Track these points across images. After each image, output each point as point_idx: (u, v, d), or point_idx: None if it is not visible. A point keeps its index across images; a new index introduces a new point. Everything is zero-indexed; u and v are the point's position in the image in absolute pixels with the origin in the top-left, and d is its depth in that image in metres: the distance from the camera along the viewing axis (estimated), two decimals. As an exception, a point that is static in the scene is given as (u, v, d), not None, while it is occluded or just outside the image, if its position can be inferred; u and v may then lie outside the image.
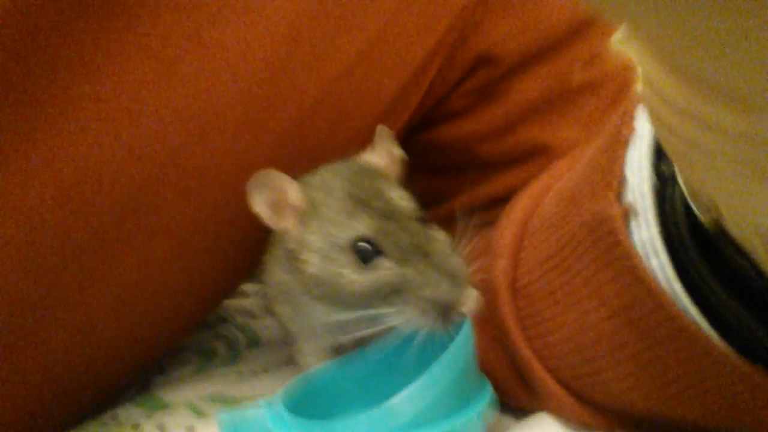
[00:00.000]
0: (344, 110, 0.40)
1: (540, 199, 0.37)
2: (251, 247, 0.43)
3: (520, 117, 0.49)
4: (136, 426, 0.34)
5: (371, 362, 0.33)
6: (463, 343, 0.28)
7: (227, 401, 0.38)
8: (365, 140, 0.45)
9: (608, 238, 0.26)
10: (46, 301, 0.30)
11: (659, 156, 0.26)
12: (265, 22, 0.34)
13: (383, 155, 0.37)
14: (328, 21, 0.36)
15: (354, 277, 0.30)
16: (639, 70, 0.19)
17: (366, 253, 0.30)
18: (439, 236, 0.32)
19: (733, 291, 0.23)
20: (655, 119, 0.18)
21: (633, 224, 0.25)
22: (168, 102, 0.31)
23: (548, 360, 0.32)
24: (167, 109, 0.31)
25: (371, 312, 0.30)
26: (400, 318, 0.29)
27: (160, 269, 0.34)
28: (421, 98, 0.47)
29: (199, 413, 0.36)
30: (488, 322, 0.36)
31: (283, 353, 0.49)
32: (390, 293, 0.30)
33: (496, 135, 0.49)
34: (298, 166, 0.40)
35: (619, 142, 0.27)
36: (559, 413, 0.32)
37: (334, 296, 0.31)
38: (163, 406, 0.38)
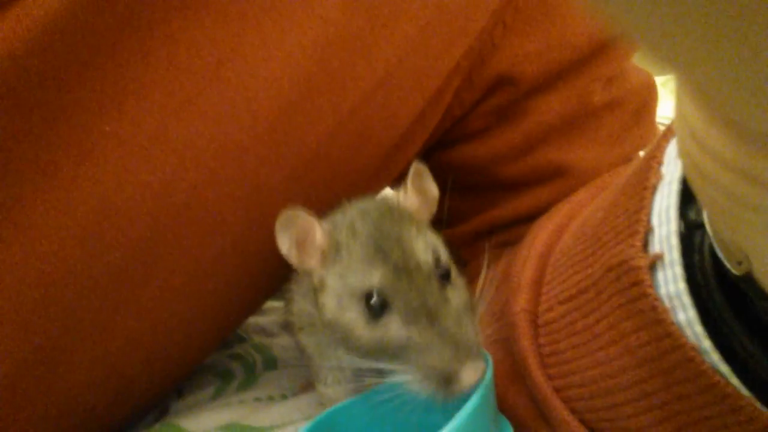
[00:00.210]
0: (362, 137, 0.40)
1: (562, 230, 0.37)
2: (272, 273, 0.43)
3: (539, 138, 0.48)
4: (156, 459, 0.34)
5: (390, 400, 0.33)
6: (486, 389, 0.28)
7: (245, 431, 0.38)
8: (383, 165, 0.45)
9: (634, 289, 0.25)
10: (66, 337, 0.30)
11: (686, 202, 0.25)
12: (284, 55, 0.33)
13: (417, 194, 0.37)
14: (347, 51, 0.36)
15: (361, 330, 0.30)
16: (678, 118, 0.19)
17: (375, 308, 0.30)
18: (455, 297, 0.31)
19: (761, 342, 0.23)
20: (693, 168, 0.17)
21: (660, 275, 0.25)
22: (187, 139, 0.31)
23: (569, 399, 0.31)
24: (186, 146, 0.31)
25: (379, 365, 0.30)
26: (403, 378, 0.29)
27: (180, 301, 0.34)
28: (438, 120, 0.47)
29: (218, 445, 0.36)
30: (509, 356, 0.36)
31: (299, 377, 0.49)
32: (397, 351, 0.29)
33: (514, 156, 0.49)
34: (315, 194, 0.40)
35: (647, 188, 0.26)
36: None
37: (346, 342, 0.31)
38: (182, 436, 0.38)
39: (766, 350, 0.23)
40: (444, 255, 0.33)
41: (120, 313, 0.32)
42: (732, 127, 0.14)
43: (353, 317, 0.31)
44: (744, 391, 0.23)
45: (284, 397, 0.45)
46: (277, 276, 0.44)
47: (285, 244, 0.32)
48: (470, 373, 0.28)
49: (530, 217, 0.48)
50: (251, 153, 0.33)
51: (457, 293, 0.31)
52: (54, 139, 0.27)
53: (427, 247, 0.32)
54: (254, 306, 0.46)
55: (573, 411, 0.31)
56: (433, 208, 0.37)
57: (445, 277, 0.32)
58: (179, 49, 0.30)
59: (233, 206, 0.34)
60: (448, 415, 0.28)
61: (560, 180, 0.49)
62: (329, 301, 0.32)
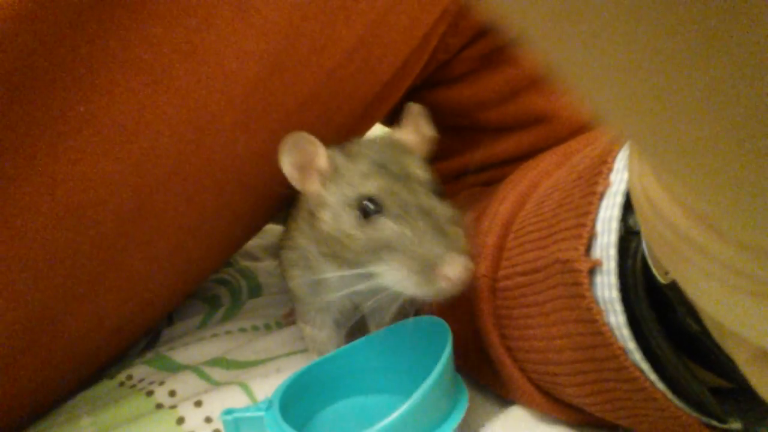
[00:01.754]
0: (343, 95, 0.40)
1: (525, 198, 0.38)
2: (257, 220, 0.45)
3: (522, 85, 0.49)
4: (150, 393, 0.38)
5: (365, 353, 0.37)
6: (446, 364, 0.31)
7: (231, 366, 0.42)
8: (365, 114, 0.45)
9: (574, 288, 0.28)
10: (58, 303, 0.33)
11: (627, 208, 0.27)
12: (260, 22, 0.33)
13: (413, 132, 0.39)
14: (326, 12, 0.36)
15: (353, 231, 0.33)
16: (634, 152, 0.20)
17: (368, 211, 0.32)
18: (446, 206, 0.33)
19: (678, 343, 0.26)
20: (645, 199, 0.18)
21: (598, 279, 0.27)
22: (162, 114, 0.31)
23: (519, 360, 0.35)
24: (162, 121, 0.31)
25: (368, 269, 0.32)
26: (391, 275, 0.31)
27: (165, 261, 0.37)
28: (422, 66, 0.47)
29: (205, 379, 0.40)
30: (468, 314, 0.39)
31: (282, 304, 0.53)
32: (386, 251, 0.31)
33: (496, 102, 0.49)
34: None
35: (594, 193, 0.28)
36: (529, 406, 0.35)
37: (340, 253, 0.33)
38: (173, 369, 0.42)
39: (679, 349, 0.26)
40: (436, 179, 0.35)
41: (108, 277, 0.34)
42: (699, 219, 0.15)
43: (346, 223, 0.33)
44: (660, 385, 0.26)
45: (268, 326, 0.49)
46: (263, 220, 0.47)
47: (287, 166, 0.34)
48: (459, 265, 0.29)
49: (511, 160, 0.50)
50: (229, 122, 0.34)
51: (449, 206, 0.34)
52: (30, 123, 0.28)
53: (425, 167, 0.35)
54: (242, 244, 0.48)
55: (521, 370, 0.35)
56: (429, 147, 0.39)
57: (439, 193, 0.34)
58: (152, 24, 0.29)
59: (213, 172, 0.35)
60: (431, 360, 0.31)
61: (542, 126, 0.50)
62: (326, 215, 0.34)
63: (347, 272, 0.33)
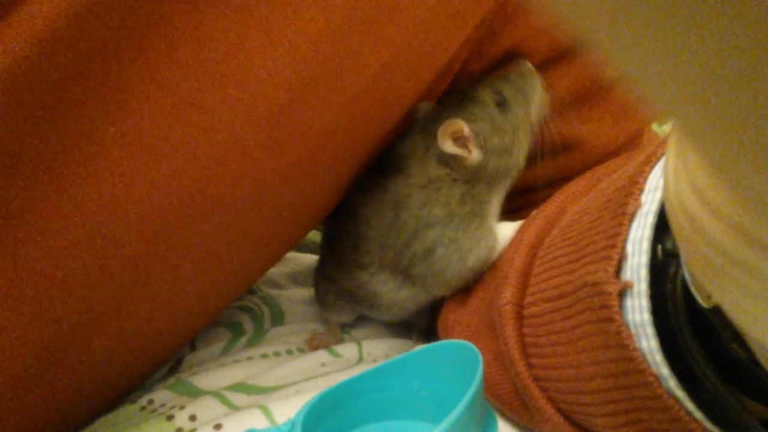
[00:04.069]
0: (366, 120, 0.41)
1: (552, 223, 0.38)
2: (281, 245, 0.45)
3: (548, 112, 0.49)
4: (171, 417, 0.38)
5: (393, 376, 0.36)
6: (476, 390, 0.30)
7: (252, 391, 0.41)
8: (386, 136, 0.45)
9: (603, 311, 0.27)
10: (82, 325, 0.33)
11: (664, 230, 0.26)
12: (287, 47, 0.33)
13: None
14: (352, 37, 0.36)
15: (512, 113, 0.45)
16: (675, 161, 0.18)
17: (502, 103, 0.45)
18: None
19: (723, 371, 0.25)
20: (684, 215, 0.17)
21: (628, 302, 0.26)
22: (190, 136, 0.31)
23: (547, 389, 0.34)
24: (189, 143, 0.31)
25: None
26: (533, 107, 0.46)
27: (188, 284, 0.37)
28: (443, 91, 0.47)
29: (226, 404, 0.40)
30: (495, 339, 0.38)
31: (305, 331, 0.52)
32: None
33: None
34: (321, 172, 0.41)
35: (625, 214, 0.27)
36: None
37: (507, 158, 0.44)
38: (194, 394, 0.41)
39: (724, 377, 0.25)
40: None
41: (133, 299, 0.34)
42: (739, 188, 0.14)
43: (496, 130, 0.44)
44: (698, 414, 0.25)
45: (290, 352, 0.48)
46: (287, 246, 0.46)
47: (450, 149, 0.43)
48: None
49: (539, 187, 0.49)
50: (254, 145, 0.34)
51: None
52: (60, 144, 0.28)
53: None
54: (266, 270, 0.48)
55: (550, 400, 0.34)
56: None
57: None
58: (181, 46, 0.30)
59: (240, 195, 0.35)
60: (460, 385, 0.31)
61: (571, 153, 0.50)
62: (491, 149, 0.44)
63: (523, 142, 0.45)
